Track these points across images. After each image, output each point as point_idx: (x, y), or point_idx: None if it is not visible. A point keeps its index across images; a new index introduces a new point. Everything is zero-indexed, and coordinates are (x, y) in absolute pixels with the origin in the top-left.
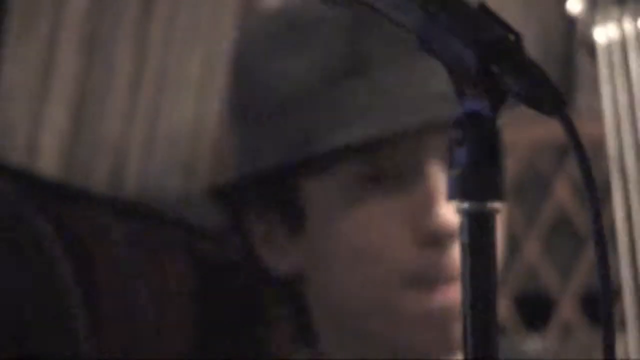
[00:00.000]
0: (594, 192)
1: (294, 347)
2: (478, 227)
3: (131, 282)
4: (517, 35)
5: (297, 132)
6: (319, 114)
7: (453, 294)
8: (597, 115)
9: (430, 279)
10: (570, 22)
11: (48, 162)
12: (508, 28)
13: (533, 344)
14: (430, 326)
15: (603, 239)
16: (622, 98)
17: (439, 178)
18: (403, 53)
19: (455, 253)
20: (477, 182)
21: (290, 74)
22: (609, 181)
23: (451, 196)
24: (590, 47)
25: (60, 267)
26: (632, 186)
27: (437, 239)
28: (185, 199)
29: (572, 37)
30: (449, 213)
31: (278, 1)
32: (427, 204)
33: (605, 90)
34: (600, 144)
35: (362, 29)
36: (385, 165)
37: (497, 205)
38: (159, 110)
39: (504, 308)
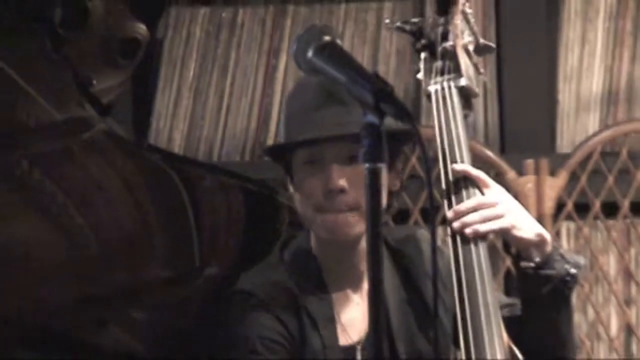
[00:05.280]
0: (427, 160)
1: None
2: (373, 178)
3: (216, 205)
4: (391, 87)
5: (285, 132)
6: (292, 126)
7: (339, 217)
8: (431, 127)
9: (327, 210)
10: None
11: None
12: (387, 83)
13: None
14: (329, 229)
15: (430, 177)
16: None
17: (334, 169)
18: (319, 107)
19: (343, 198)
20: (372, 154)
21: (290, 108)
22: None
23: (362, 161)
24: (428, 95)
25: (184, 198)
26: (448, 163)
27: (329, 193)
28: (241, 163)
29: (419, 89)
30: (337, 183)
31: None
32: (326, 178)
33: (435, 117)
34: (430, 140)
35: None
36: (313, 157)
37: (381, 165)
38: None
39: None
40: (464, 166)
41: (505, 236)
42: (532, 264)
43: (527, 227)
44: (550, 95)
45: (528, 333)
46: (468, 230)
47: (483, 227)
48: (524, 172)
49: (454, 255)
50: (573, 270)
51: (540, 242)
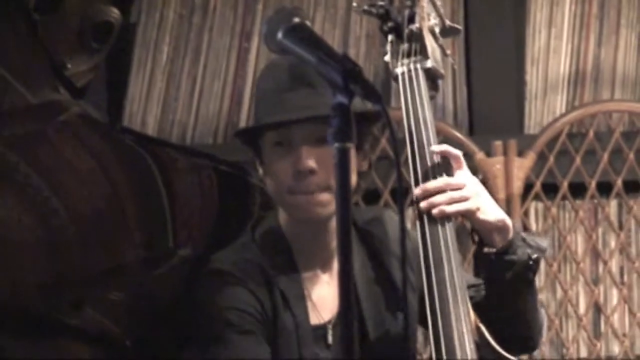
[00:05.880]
0: (395, 142)
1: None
2: (342, 157)
3: (189, 186)
4: (360, 67)
5: (255, 114)
6: (261, 109)
7: (310, 198)
8: (399, 108)
9: (298, 191)
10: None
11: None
12: (356, 64)
13: None
14: (301, 209)
15: (399, 158)
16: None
17: (303, 150)
18: (289, 90)
19: (313, 179)
20: (341, 134)
21: (260, 89)
22: (404, 139)
23: (330, 141)
24: (395, 77)
25: (158, 180)
26: (415, 143)
27: (298, 174)
28: (214, 146)
29: (388, 71)
30: (306, 163)
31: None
32: (296, 160)
33: (402, 98)
34: (399, 121)
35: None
36: (283, 139)
37: (349, 145)
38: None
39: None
40: (443, 146)
41: (469, 218)
42: (494, 250)
43: (491, 211)
44: (518, 77)
45: (493, 314)
46: (435, 211)
47: (449, 208)
48: (493, 153)
49: (421, 235)
50: (535, 255)
51: (502, 228)
